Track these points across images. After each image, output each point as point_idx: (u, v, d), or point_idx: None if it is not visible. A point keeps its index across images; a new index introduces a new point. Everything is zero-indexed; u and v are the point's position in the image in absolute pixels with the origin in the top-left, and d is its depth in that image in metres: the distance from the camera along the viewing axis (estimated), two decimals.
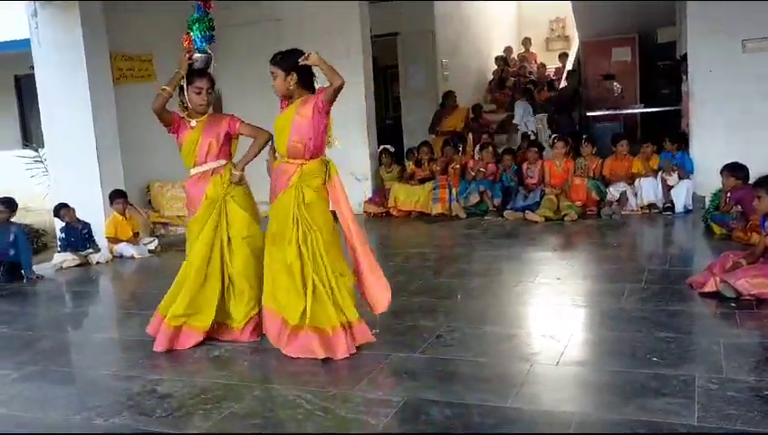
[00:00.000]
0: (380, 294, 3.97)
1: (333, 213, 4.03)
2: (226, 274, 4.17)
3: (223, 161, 4.25)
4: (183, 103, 4.25)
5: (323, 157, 4.01)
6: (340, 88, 3.83)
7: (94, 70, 7.42)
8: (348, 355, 3.70)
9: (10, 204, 6.55)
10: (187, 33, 4.24)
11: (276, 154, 4.01)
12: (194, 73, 4.19)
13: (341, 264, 3.94)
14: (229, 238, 4.19)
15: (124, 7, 7.93)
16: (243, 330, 4.16)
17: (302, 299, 3.75)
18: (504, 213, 8.12)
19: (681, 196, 7.54)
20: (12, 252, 6.38)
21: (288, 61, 3.88)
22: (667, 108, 10.35)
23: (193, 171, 4.24)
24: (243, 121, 4.33)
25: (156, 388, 3.53)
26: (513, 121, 11.79)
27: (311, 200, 3.85)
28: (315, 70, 3.93)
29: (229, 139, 4.30)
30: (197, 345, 4.10)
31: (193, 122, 4.22)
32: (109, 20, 7.61)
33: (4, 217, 6.47)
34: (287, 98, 3.97)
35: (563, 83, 13.29)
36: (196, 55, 4.20)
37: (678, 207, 7.52)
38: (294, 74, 3.87)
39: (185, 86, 4.17)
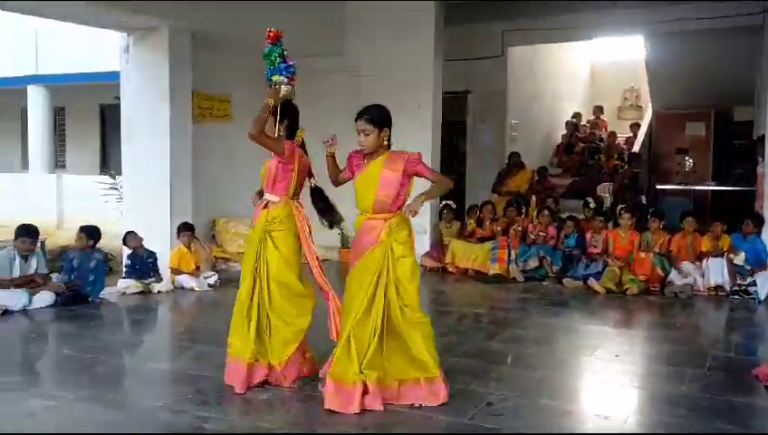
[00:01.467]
0: None
1: None
2: (263, 311, 4.18)
3: (276, 197, 4.21)
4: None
5: (404, 216, 3.92)
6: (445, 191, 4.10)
7: (176, 106, 7.77)
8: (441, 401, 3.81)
9: (91, 233, 6.88)
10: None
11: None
12: (285, 109, 4.43)
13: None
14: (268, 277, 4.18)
15: (209, 48, 8.29)
16: (283, 369, 4.13)
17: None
18: (564, 280, 7.98)
19: (765, 286, 7.21)
20: (91, 278, 6.64)
21: (382, 117, 3.94)
22: (739, 187, 10.07)
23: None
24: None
25: (203, 425, 3.57)
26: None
27: (400, 255, 3.84)
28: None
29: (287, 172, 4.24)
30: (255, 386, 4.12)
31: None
32: (195, 59, 7.97)
33: (87, 245, 6.78)
34: (367, 154, 3.99)
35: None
36: (283, 87, 4.37)
37: (761, 296, 7.19)
38: (387, 130, 3.94)
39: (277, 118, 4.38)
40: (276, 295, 4.15)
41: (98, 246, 8.84)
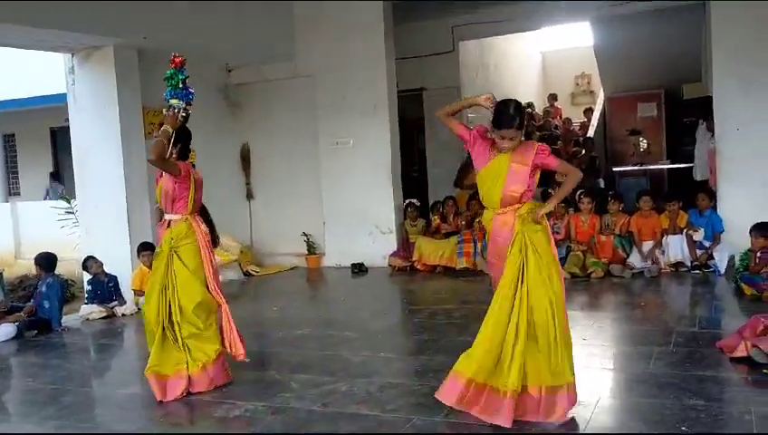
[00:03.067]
0: None
1: None
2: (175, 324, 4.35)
3: (177, 216, 4.46)
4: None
5: (533, 202, 3.78)
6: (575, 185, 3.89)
7: (127, 125, 7.65)
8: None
9: (42, 262, 6.76)
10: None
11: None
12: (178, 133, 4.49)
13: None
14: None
15: (158, 64, 8.16)
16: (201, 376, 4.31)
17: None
18: None
19: (724, 260, 7.39)
20: (46, 304, 6.49)
21: (523, 116, 3.66)
22: (692, 164, 10.30)
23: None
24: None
25: None
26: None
27: (539, 242, 3.62)
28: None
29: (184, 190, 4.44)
30: (217, 405, 4.08)
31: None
32: (143, 76, 7.85)
33: (40, 274, 6.66)
34: (488, 145, 3.74)
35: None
36: (165, 111, 4.50)
37: (721, 269, 7.35)
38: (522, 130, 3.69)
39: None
40: (187, 306, 4.33)
41: (57, 272, 8.72)
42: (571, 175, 3.85)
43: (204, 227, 4.55)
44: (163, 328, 4.33)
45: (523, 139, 3.70)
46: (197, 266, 4.42)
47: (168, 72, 4.50)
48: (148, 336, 4.45)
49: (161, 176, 4.51)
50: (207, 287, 4.46)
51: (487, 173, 3.74)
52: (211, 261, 4.51)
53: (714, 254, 7.47)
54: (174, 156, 4.45)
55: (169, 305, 4.34)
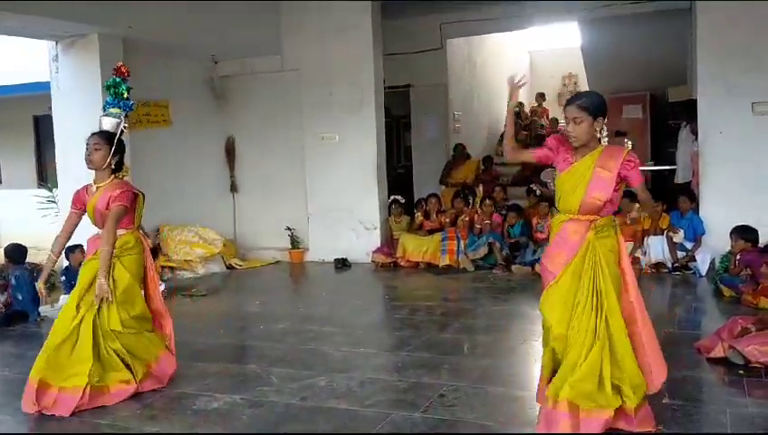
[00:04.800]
0: (660, 367, 3.49)
1: None
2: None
3: (121, 231, 4.23)
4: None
5: (611, 216, 3.51)
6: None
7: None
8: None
9: (9, 253, 6.71)
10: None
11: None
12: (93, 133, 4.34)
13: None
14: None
15: (143, 54, 8.10)
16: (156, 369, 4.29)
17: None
18: (513, 267, 8.10)
19: (706, 262, 7.45)
20: (20, 297, 6.42)
21: (597, 104, 3.38)
22: (676, 166, 10.38)
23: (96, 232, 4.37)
24: (123, 205, 4.19)
25: None
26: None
27: (607, 260, 3.35)
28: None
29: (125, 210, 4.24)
30: (195, 397, 4.06)
31: (94, 187, 4.34)
32: (127, 66, 7.76)
33: (6, 265, 6.61)
34: (576, 147, 3.44)
35: None
36: (104, 118, 4.36)
37: (702, 271, 7.42)
38: (602, 120, 3.40)
39: None
40: (124, 315, 4.16)
41: (39, 262, 8.62)
42: (647, 203, 3.70)
43: (147, 241, 4.53)
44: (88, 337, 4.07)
45: (606, 141, 3.52)
46: (138, 276, 4.32)
47: (112, 79, 4.45)
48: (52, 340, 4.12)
49: (84, 195, 4.32)
50: (151, 298, 4.41)
51: (568, 177, 3.43)
52: (154, 272, 4.52)
53: (695, 256, 7.54)
54: (112, 166, 4.28)
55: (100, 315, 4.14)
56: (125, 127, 4.39)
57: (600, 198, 3.35)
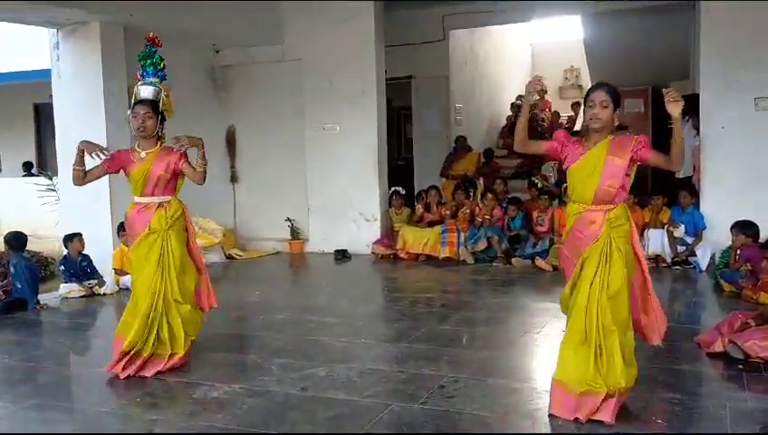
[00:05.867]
0: (663, 317, 3.78)
1: None
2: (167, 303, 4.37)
3: (168, 197, 4.44)
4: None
5: (624, 204, 3.60)
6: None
7: (111, 102, 7.55)
8: None
9: (9, 241, 6.69)
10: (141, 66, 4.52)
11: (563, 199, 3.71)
12: (138, 101, 4.42)
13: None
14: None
15: (144, 41, 8.06)
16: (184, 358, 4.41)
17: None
18: (512, 260, 8.10)
19: (706, 257, 7.46)
20: (19, 285, 6.42)
21: (617, 95, 3.50)
22: None
23: (138, 199, 4.44)
24: (187, 160, 4.46)
25: (152, 428, 3.50)
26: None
27: (624, 250, 3.45)
28: None
29: (176, 175, 4.45)
30: (196, 386, 4.07)
31: (143, 153, 4.40)
32: (128, 54, 7.75)
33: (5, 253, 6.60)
34: (586, 138, 3.56)
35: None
36: (143, 87, 4.44)
37: (702, 266, 7.43)
38: (618, 112, 3.51)
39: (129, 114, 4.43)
40: (184, 284, 4.40)
41: (39, 250, 8.64)
42: (675, 157, 3.48)
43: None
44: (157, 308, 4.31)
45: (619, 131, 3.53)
46: (185, 242, 4.50)
47: (148, 49, 4.49)
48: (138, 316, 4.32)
49: (129, 159, 4.41)
50: (193, 253, 4.59)
51: (581, 166, 3.50)
52: (193, 227, 4.72)
53: (696, 250, 7.54)
54: (158, 134, 4.47)
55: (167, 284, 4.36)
56: (166, 95, 4.47)
57: (613, 186, 3.44)
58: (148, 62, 4.48)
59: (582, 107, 3.60)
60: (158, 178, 4.37)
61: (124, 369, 4.25)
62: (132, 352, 4.26)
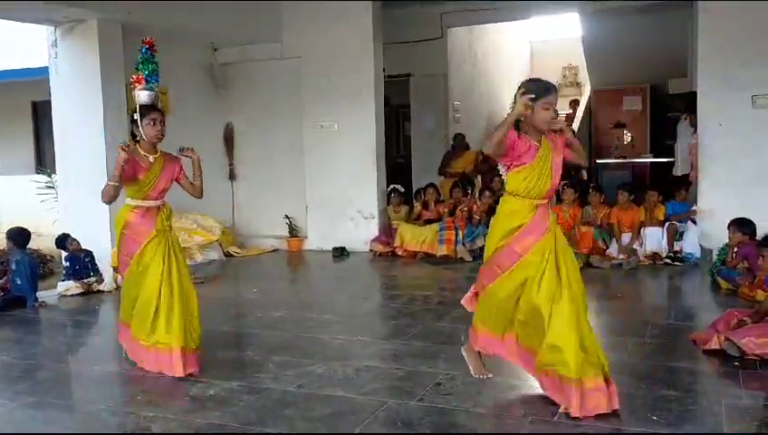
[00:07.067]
0: None
1: None
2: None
3: (163, 199, 4.55)
4: (135, 136, 4.49)
5: None
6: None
7: (110, 99, 7.55)
8: None
9: (12, 237, 6.70)
10: (137, 71, 4.50)
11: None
12: (146, 107, 4.42)
13: None
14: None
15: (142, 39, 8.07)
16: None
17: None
18: None
19: (695, 244, 7.58)
20: (19, 281, 6.42)
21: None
22: (672, 159, 10.41)
23: (142, 203, 4.44)
24: (185, 173, 4.60)
25: (150, 425, 3.51)
26: None
27: (564, 241, 3.68)
28: None
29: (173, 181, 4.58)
30: (193, 384, 4.08)
31: (151, 158, 4.44)
32: (126, 52, 7.75)
33: (8, 249, 6.59)
34: (533, 137, 3.61)
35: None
36: (144, 92, 4.43)
37: (697, 253, 7.50)
38: None
39: (138, 120, 4.39)
40: (186, 281, 4.45)
41: (37, 247, 8.63)
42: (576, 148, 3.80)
43: None
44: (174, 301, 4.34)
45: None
46: None
47: (148, 53, 4.50)
48: (144, 310, 4.33)
49: (136, 165, 4.38)
50: None
51: (538, 162, 3.57)
52: None
53: (685, 239, 7.63)
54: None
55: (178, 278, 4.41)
56: (163, 93, 4.58)
57: (556, 181, 3.67)
58: (151, 67, 4.49)
59: (530, 102, 3.51)
60: (168, 180, 4.49)
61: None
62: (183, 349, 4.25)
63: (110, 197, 4.34)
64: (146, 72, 4.47)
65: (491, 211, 8.76)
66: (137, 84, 4.45)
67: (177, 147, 4.58)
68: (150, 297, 4.32)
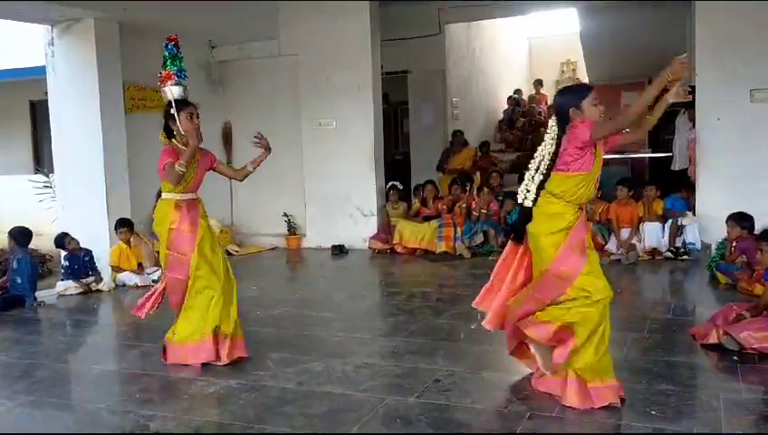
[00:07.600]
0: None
1: None
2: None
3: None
4: (169, 132, 4.53)
5: None
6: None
7: (107, 99, 7.54)
8: None
9: (15, 236, 6.69)
10: (165, 68, 4.52)
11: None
12: (182, 102, 4.46)
13: None
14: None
15: (140, 39, 8.05)
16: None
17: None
18: None
19: (695, 234, 7.60)
20: (18, 279, 6.42)
21: None
22: (672, 153, 10.39)
23: (184, 197, 4.49)
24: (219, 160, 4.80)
25: (148, 424, 3.51)
26: None
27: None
28: None
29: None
30: (192, 381, 4.08)
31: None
32: (123, 50, 7.75)
33: (11, 248, 6.57)
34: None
35: None
36: (177, 87, 4.46)
37: (697, 245, 7.53)
38: None
39: (176, 115, 4.40)
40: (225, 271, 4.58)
41: (36, 247, 8.62)
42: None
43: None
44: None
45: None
46: None
47: (175, 49, 4.53)
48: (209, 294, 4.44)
49: (188, 162, 4.42)
50: None
51: (595, 171, 3.58)
52: None
53: (686, 231, 7.62)
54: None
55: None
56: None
57: None
58: (181, 63, 4.52)
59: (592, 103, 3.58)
60: (205, 170, 4.62)
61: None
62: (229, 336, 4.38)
63: (178, 178, 4.35)
64: (176, 69, 4.49)
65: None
66: (167, 80, 4.45)
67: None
68: (222, 288, 4.48)
